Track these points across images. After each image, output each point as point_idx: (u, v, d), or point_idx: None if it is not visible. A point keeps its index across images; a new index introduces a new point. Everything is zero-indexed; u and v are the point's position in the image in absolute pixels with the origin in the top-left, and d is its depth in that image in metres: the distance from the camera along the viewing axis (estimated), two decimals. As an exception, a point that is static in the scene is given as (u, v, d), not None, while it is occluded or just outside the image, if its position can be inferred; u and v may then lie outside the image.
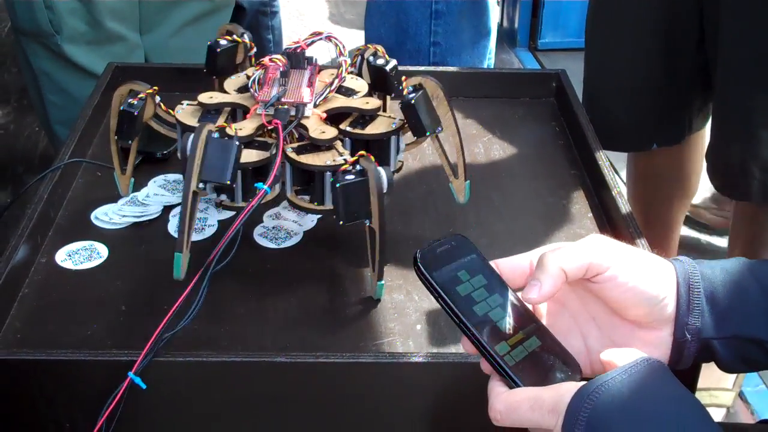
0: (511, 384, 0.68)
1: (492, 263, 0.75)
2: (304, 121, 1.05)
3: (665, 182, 1.82)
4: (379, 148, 1.07)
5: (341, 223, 0.98)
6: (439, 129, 1.09)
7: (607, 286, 0.72)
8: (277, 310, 1.00)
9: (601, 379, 0.64)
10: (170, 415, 0.91)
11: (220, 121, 1.06)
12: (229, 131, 1.01)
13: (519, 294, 0.73)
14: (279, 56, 1.10)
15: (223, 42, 1.16)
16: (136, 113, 1.07)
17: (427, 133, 1.07)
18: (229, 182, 0.97)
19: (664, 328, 0.74)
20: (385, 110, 1.13)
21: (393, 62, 1.11)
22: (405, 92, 1.07)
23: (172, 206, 1.16)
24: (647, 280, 0.72)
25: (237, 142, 0.97)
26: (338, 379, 0.89)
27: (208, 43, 1.16)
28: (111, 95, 1.36)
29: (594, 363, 0.75)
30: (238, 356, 0.88)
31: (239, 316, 0.99)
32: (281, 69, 1.09)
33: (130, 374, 0.85)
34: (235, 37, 1.17)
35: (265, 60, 1.10)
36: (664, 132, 1.69)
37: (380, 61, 1.11)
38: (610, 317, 0.75)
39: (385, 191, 0.98)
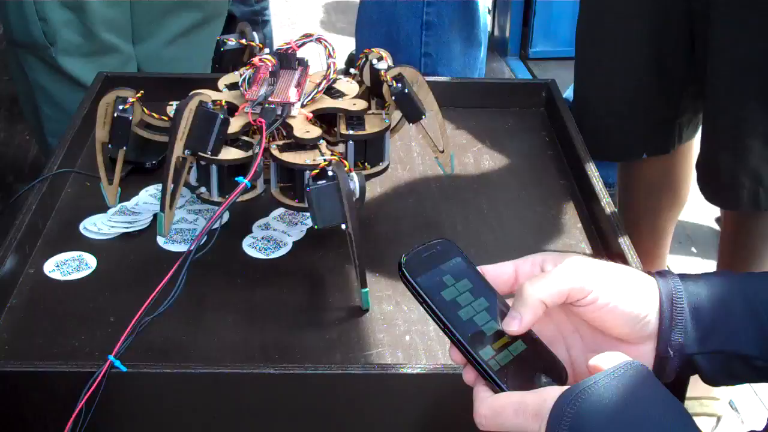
0: (496, 388, 0.68)
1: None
2: (290, 121, 1.08)
3: (655, 192, 1.82)
4: (375, 146, 1.12)
5: (316, 227, 1.00)
6: (425, 115, 1.13)
7: (589, 309, 0.71)
8: (266, 321, 1.00)
9: (585, 383, 0.64)
10: (158, 427, 0.91)
11: None
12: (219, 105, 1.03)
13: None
14: (269, 56, 1.12)
15: (230, 42, 1.19)
16: (130, 118, 1.08)
17: (423, 117, 1.12)
18: (210, 153, 1.00)
19: (647, 343, 0.74)
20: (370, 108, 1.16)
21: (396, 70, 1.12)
22: (391, 83, 1.10)
23: (162, 216, 1.16)
24: (629, 299, 0.72)
25: (222, 116, 1.00)
26: (327, 390, 0.88)
27: (218, 38, 1.20)
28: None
29: (578, 373, 0.74)
30: (226, 368, 0.88)
31: (228, 327, 0.99)
32: (271, 69, 1.11)
33: (110, 357, 0.86)
34: (242, 41, 1.20)
35: (256, 60, 1.12)
36: (654, 141, 1.70)
37: (382, 65, 1.13)
38: (593, 332, 0.74)
39: (357, 196, 1.00)
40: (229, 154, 1.04)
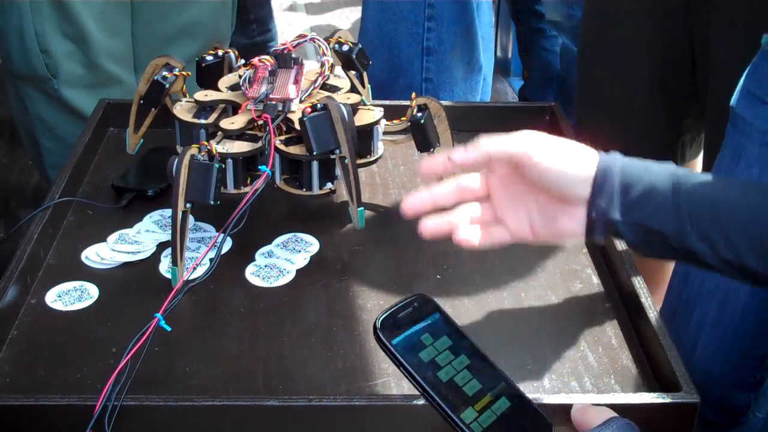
0: None
1: (457, 150, 0.84)
2: (291, 116, 1.14)
3: None
4: (364, 137, 1.18)
5: (314, 153, 1.09)
6: (438, 144, 1.22)
7: (531, 171, 0.83)
8: (270, 351, 0.99)
9: None
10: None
11: (213, 117, 1.17)
12: (211, 151, 1.07)
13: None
14: (267, 57, 1.19)
15: (208, 58, 1.24)
16: (166, 85, 1.21)
17: (431, 149, 1.21)
18: (212, 202, 1.04)
19: (582, 206, 0.83)
20: (363, 85, 1.31)
21: (357, 47, 1.27)
22: (413, 111, 1.20)
23: (165, 244, 1.15)
24: (566, 164, 0.82)
25: (217, 165, 1.04)
26: (331, 422, 0.87)
27: (196, 59, 1.25)
28: (102, 133, 1.37)
29: (536, 231, 0.86)
30: (229, 399, 0.87)
31: (232, 357, 0.98)
32: (269, 68, 1.18)
33: (157, 315, 0.90)
34: (219, 52, 1.26)
35: (255, 60, 1.19)
36: (658, 147, 1.69)
37: (345, 48, 1.27)
38: (542, 194, 0.85)
39: (347, 119, 1.09)
40: (242, 147, 1.12)
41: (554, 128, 1.42)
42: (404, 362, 0.69)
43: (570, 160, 0.83)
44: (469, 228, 0.86)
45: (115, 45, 1.64)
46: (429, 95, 1.75)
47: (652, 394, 0.89)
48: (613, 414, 0.72)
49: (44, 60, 1.58)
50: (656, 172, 0.82)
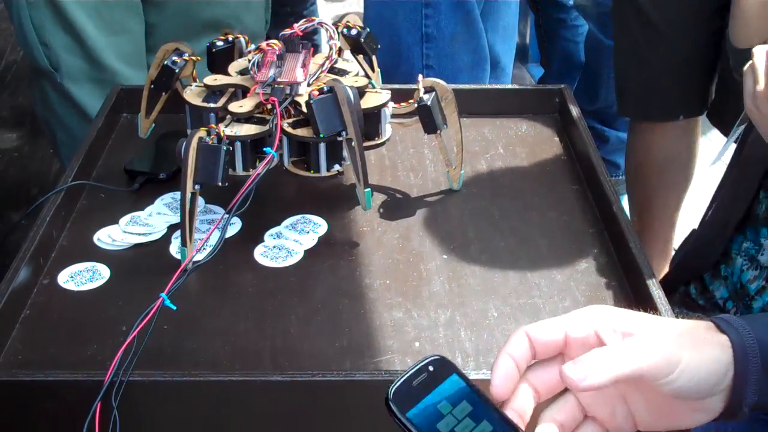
0: None
1: (522, 332, 0.68)
2: (299, 99, 1.15)
3: (666, 166, 1.82)
4: (371, 120, 1.19)
5: (321, 135, 1.10)
6: (445, 126, 1.22)
7: (666, 387, 0.67)
8: (276, 329, 1.00)
9: None
10: (168, 435, 0.92)
11: (222, 101, 1.18)
12: (219, 134, 1.08)
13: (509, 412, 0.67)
14: (275, 41, 1.20)
15: (219, 43, 1.26)
16: (176, 70, 1.22)
17: (438, 131, 1.21)
18: (220, 183, 1.05)
19: (716, 397, 0.70)
20: (373, 69, 1.31)
21: (365, 31, 1.27)
22: (420, 93, 1.20)
23: (176, 226, 1.17)
24: (706, 371, 0.68)
25: (224, 147, 1.05)
26: (334, 397, 0.89)
27: (207, 44, 1.27)
28: (115, 118, 1.39)
29: (640, 425, 0.72)
30: (235, 375, 0.88)
31: (239, 335, 0.99)
32: (278, 53, 1.19)
33: (162, 294, 0.92)
34: (229, 37, 1.27)
35: (263, 44, 1.20)
36: (691, 104, 1.71)
37: (354, 32, 1.27)
38: (658, 394, 0.70)
39: (353, 102, 1.11)
40: (250, 129, 1.13)
41: (563, 112, 1.43)
42: None
43: (708, 362, 0.68)
44: None
45: (118, 42, 1.65)
46: None
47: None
48: None
49: (44, 52, 1.61)
50: None
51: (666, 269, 1.53)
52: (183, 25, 1.71)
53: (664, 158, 1.81)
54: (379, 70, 1.37)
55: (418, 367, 0.65)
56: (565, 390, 0.71)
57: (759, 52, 1.03)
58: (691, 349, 0.67)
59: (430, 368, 0.65)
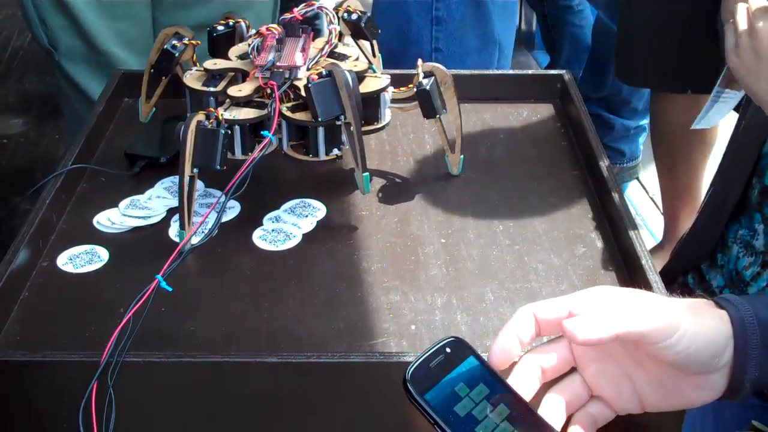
0: None
1: (527, 309, 0.69)
2: (298, 83, 1.15)
3: (685, 132, 1.82)
4: (370, 104, 1.19)
5: (319, 119, 1.10)
6: (444, 111, 1.22)
7: (666, 353, 0.68)
8: (273, 311, 1.01)
9: None
10: (163, 414, 0.92)
11: (222, 85, 1.17)
12: (218, 117, 1.08)
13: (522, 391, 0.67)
14: (275, 25, 1.21)
15: (220, 28, 1.26)
16: (176, 54, 1.23)
17: (437, 116, 1.20)
18: (219, 167, 1.06)
19: (718, 373, 0.71)
20: (374, 54, 1.32)
21: (366, 16, 1.28)
22: (419, 78, 1.20)
23: (175, 209, 1.17)
24: (705, 339, 0.69)
25: (223, 131, 1.06)
26: (329, 379, 0.89)
27: (208, 29, 1.26)
28: (117, 103, 1.39)
29: (645, 404, 0.73)
30: (228, 356, 0.89)
31: (236, 317, 1.00)
32: (277, 37, 1.19)
33: (158, 277, 0.92)
34: (230, 22, 1.27)
35: (263, 29, 1.20)
36: (699, 79, 1.70)
37: (354, 16, 1.27)
38: (660, 366, 0.71)
39: (351, 86, 1.11)
40: (249, 113, 1.13)
41: (564, 97, 1.43)
42: (438, 419, 0.61)
43: (706, 331, 0.69)
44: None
45: (120, 28, 1.65)
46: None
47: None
48: None
49: (43, 30, 1.62)
50: None
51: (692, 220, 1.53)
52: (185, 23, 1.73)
53: (682, 125, 1.81)
54: (380, 55, 1.37)
55: (435, 348, 0.65)
56: (572, 370, 0.72)
57: (741, 8, 1.04)
58: (690, 318, 0.69)
59: (447, 350, 0.65)
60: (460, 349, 0.66)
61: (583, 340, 0.66)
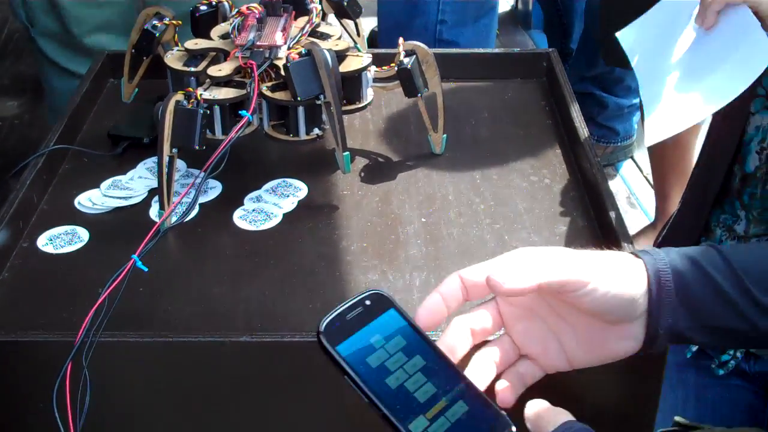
0: None
1: (455, 274, 0.72)
2: (278, 62, 1.15)
3: None
4: (352, 84, 1.19)
5: (299, 99, 1.10)
6: (426, 90, 1.21)
7: (586, 299, 0.72)
8: (251, 291, 1.01)
9: None
10: (140, 395, 0.92)
11: (203, 65, 1.17)
12: (197, 97, 1.08)
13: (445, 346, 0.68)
14: (256, 5, 1.20)
15: (203, 7, 1.25)
16: (156, 34, 1.23)
17: (419, 94, 1.20)
18: (197, 147, 1.06)
19: (637, 322, 0.75)
20: (358, 33, 1.32)
21: None
22: (400, 56, 1.19)
23: (157, 190, 1.17)
24: (621, 284, 0.73)
25: (201, 110, 1.06)
26: (304, 358, 0.89)
27: (190, 9, 1.26)
28: (101, 84, 1.39)
29: (576, 364, 0.77)
30: (203, 336, 0.89)
31: (213, 298, 1.00)
32: (258, 16, 1.19)
33: (134, 256, 0.92)
34: (213, 1, 1.26)
35: (243, 8, 1.20)
36: None
37: None
38: (582, 317, 0.75)
39: (330, 65, 1.10)
40: (228, 93, 1.13)
41: (551, 76, 1.43)
42: (347, 369, 0.62)
43: (622, 278, 0.73)
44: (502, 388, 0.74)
45: (99, 13, 1.65)
46: (441, 36, 1.81)
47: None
48: (569, 417, 0.69)
49: (23, 8, 1.62)
50: (705, 261, 0.75)
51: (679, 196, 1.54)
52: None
53: None
54: (364, 34, 1.37)
55: (354, 301, 0.65)
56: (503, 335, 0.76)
57: None
58: (607, 267, 0.73)
59: (367, 302, 0.65)
60: (380, 302, 0.66)
61: (506, 289, 0.70)
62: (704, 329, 0.75)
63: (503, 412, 0.66)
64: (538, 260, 0.73)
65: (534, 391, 0.77)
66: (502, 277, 0.70)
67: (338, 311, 0.64)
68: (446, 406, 0.64)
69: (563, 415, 0.71)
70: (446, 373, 0.66)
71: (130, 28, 1.68)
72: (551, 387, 0.78)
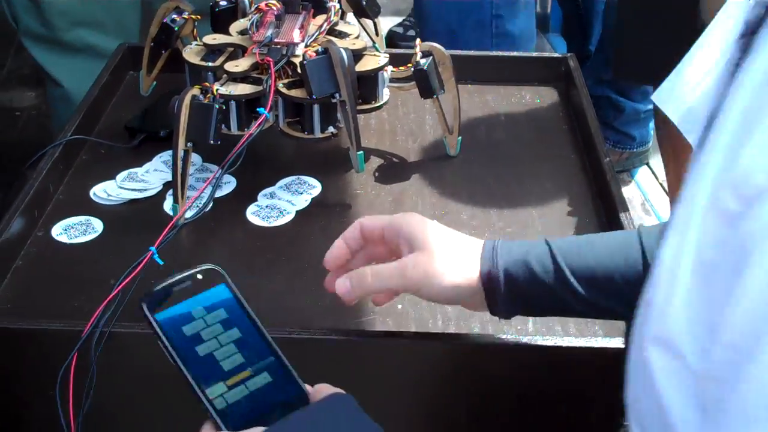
0: (219, 426, 0.64)
1: (357, 222, 0.85)
2: (295, 60, 1.16)
3: None
4: (368, 83, 1.19)
5: (314, 96, 1.10)
6: (442, 91, 1.22)
7: (422, 297, 0.84)
8: (261, 287, 1.01)
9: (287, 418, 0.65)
10: (147, 386, 0.93)
11: (221, 60, 1.17)
12: (213, 91, 1.09)
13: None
14: (275, 1, 1.21)
15: (222, 3, 1.26)
16: (175, 28, 1.24)
17: (435, 96, 1.20)
18: (212, 141, 1.06)
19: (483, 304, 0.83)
20: (377, 33, 1.32)
21: None
22: (417, 57, 1.19)
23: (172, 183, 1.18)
24: (455, 293, 0.82)
25: (217, 106, 1.06)
26: (311, 355, 0.90)
27: (211, 4, 1.27)
28: (121, 76, 1.40)
29: None
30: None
31: (224, 292, 1.00)
32: (276, 13, 1.19)
33: (152, 248, 0.93)
34: None
35: (262, 5, 1.21)
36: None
37: None
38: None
39: (347, 64, 1.10)
40: (245, 89, 1.13)
41: (568, 81, 1.43)
42: (161, 335, 0.64)
43: (456, 283, 0.81)
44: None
45: (77, 9, 1.65)
46: (498, 30, 1.82)
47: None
48: (334, 390, 0.70)
49: (8, 9, 1.64)
50: (533, 256, 0.82)
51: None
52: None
53: None
54: (383, 33, 1.37)
55: (185, 274, 0.68)
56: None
57: None
58: (448, 269, 0.81)
59: (198, 276, 0.68)
60: (212, 277, 0.69)
61: (349, 300, 0.83)
62: (533, 310, 0.86)
63: (306, 388, 0.68)
64: (411, 238, 0.82)
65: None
66: (344, 289, 0.83)
67: (167, 282, 0.67)
68: (249, 376, 0.66)
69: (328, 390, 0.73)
70: (259, 347, 0.68)
71: (114, 24, 1.70)
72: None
